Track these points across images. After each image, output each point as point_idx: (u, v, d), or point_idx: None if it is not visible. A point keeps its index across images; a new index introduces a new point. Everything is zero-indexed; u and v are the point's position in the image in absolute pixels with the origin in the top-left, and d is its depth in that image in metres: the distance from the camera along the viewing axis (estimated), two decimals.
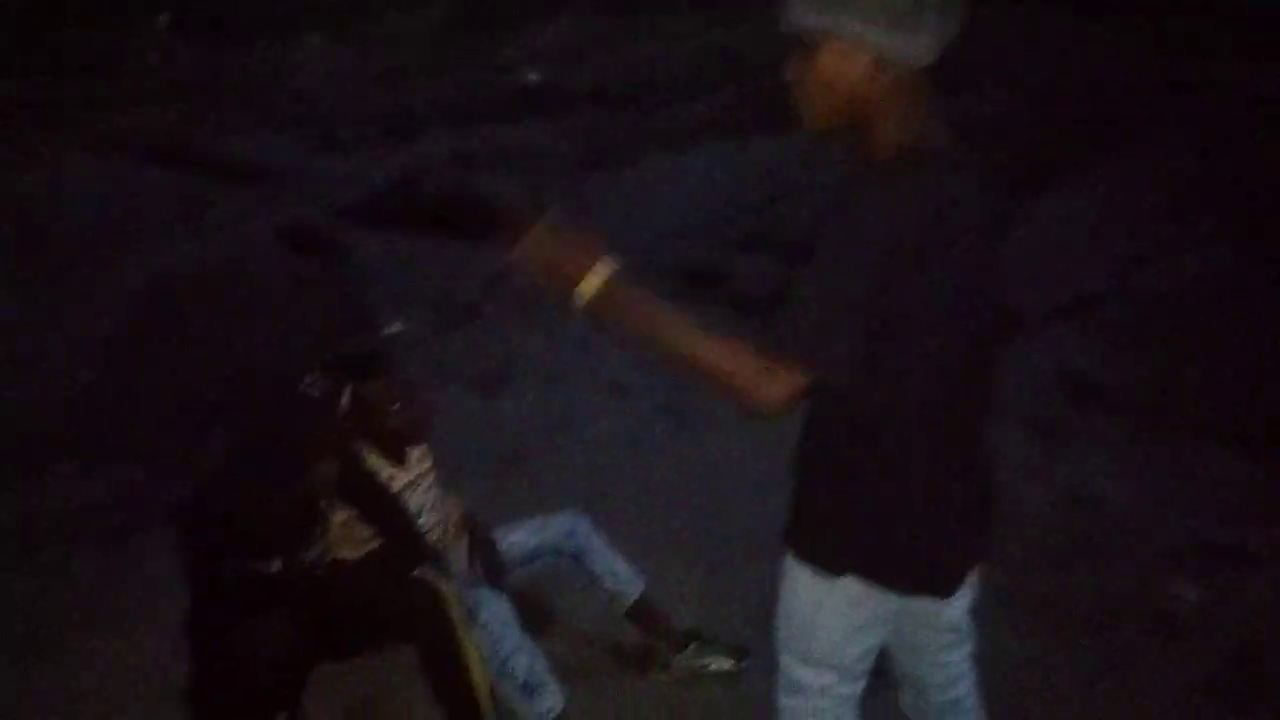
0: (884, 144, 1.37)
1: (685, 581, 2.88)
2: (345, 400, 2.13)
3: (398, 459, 2.36)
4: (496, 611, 2.21)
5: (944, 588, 1.53)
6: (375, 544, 2.25)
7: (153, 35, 11.14)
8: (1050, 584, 2.86)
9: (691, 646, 2.57)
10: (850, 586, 1.50)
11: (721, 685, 2.55)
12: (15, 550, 3.04)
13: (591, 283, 1.37)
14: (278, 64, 10.66)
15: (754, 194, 6.25)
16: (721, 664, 2.57)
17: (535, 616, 2.48)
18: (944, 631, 1.64)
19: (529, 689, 2.19)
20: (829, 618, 1.54)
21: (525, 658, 2.20)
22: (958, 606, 1.61)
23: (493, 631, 2.18)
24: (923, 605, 1.56)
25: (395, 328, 4.35)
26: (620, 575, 2.54)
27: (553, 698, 2.22)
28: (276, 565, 2.00)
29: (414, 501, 2.36)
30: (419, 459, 2.42)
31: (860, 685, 1.66)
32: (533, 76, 9.91)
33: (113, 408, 3.97)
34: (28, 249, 5.72)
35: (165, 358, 4.29)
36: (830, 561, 1.51)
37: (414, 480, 2.38)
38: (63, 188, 6.62)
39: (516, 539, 2.53)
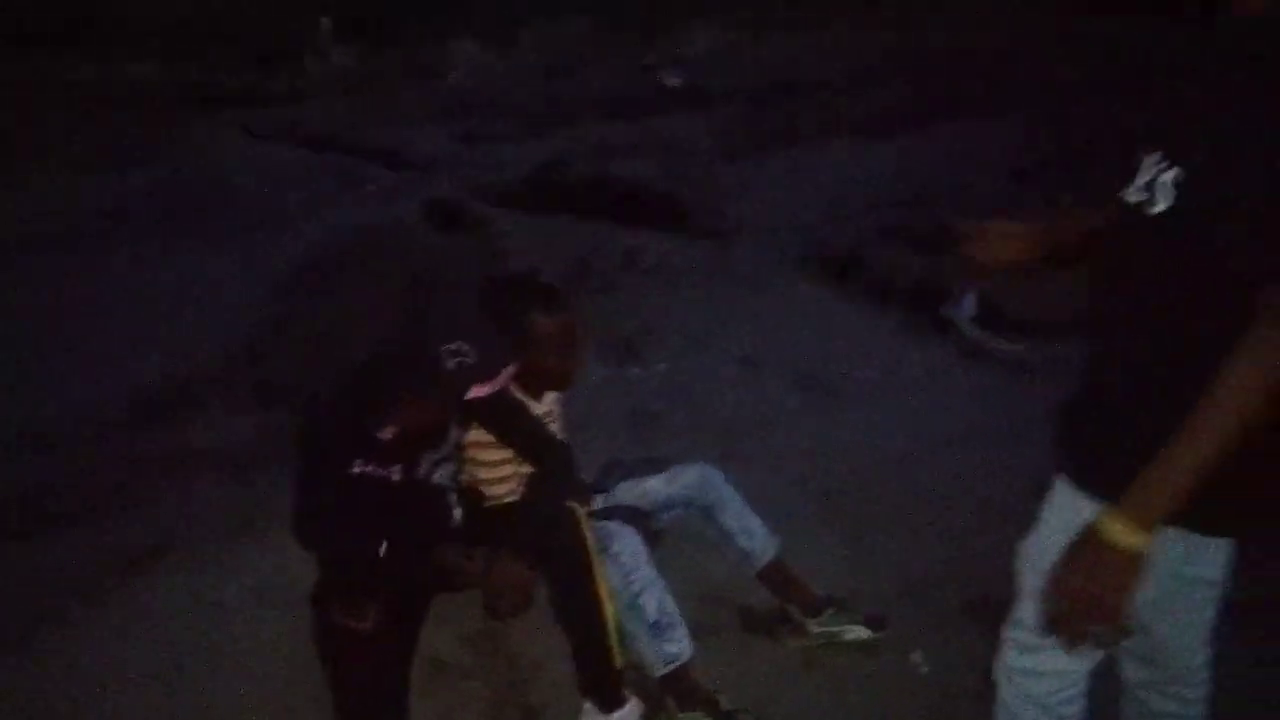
0: None
1: (820, 551, 2.72)
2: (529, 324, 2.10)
3: (535, 395, 2.31)
4: (629, 544, 2.12)
5: None
6: (511, 469, 2.21)
7: (315, 37, 11.75)
8: None
9: (827, 612, 2.42)
10: None
11: (856, 655, 2.40)
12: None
13: None
14: (433, 65, 11.08)
15: (895, 190, 6.08)
16: (858, 633, 2.41)
17: (661, 570, 2.36)
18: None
19: (658, 629, 2.10)
20: None
21: (657, 595, 2.11)
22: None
23: (624, 564, 2.09)
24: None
25: None
26: (755, 534, 2.42)
27: (680, 643, 2.12)
28: (396, 473, 1.96)
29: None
30: (549, 402, 2.36)
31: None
32: (674, 81, 9.98)
33: (266, 356, 4.14)
34: (195, 217, 6.12)
35: (314, 317, 4.45)
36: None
37: (543, 416, 2.32)
38: (228, 167, 7.08)
39: (647, 487, 2.43)
